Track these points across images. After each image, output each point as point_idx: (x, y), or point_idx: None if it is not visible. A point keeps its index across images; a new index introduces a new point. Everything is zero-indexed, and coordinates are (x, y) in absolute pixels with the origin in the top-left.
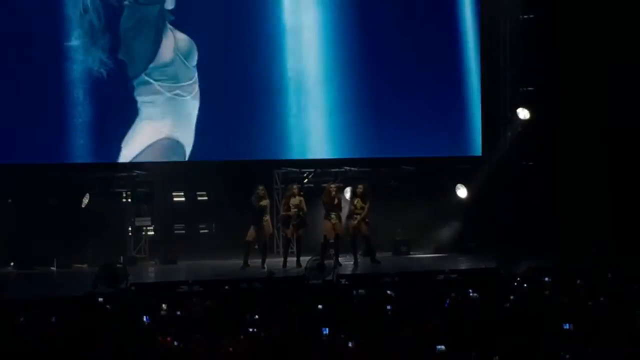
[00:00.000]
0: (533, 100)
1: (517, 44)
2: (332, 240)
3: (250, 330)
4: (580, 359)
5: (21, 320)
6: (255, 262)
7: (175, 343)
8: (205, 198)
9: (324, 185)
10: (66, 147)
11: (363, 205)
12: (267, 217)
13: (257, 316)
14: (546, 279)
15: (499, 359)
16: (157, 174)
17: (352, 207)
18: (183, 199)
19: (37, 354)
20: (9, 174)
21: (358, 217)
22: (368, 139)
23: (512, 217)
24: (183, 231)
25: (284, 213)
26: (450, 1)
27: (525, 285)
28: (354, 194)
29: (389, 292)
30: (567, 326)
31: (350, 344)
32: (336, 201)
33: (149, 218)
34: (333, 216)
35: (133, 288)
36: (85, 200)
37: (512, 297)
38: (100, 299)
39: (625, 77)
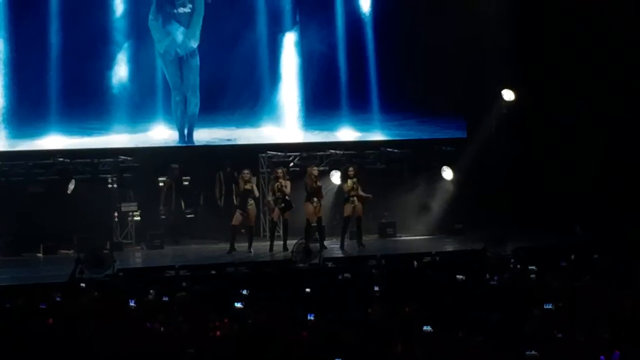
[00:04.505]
0: (518, 81)
1: (502, 25)
2: (314, 224)
3: (237, 314)
4: (566, 338)
5: (7, 306)
6: (241, 246)
7: (162, 329)
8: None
9: (308, 168)
10: None
11: (358, 186)
12: (253, 201)
13: (243, 300)
14: (532, 259)
15: (484, 339)
16: (142, 159)
17: (348, 189)
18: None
19: (23, 339)
20: None
21: (355, 198)
22: (354, 121)
23: (497, 198)
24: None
25: (270, 197)
26: None
27: (511, 265)
28: (346, 176)
29: (374, 271)
30: (548, 306)
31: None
32: (318, 184)
33: (135, 203)
34: (314, 199)
35: (121, 274)
36: (71, 186)
37: (497, 278)
38: (82, 285)
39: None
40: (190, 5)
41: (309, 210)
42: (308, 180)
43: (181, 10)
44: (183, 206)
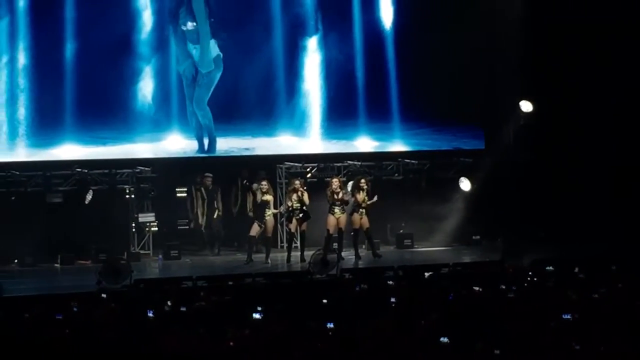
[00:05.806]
0: (536, 92)
1: (521, 35)
2: (335, 235)
3: (255, 325)
4: (584, 349)
5: (26, 316)
6: (259, 257)
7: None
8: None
9: (328, 179)
10: None
11: (368, 199)
12: (270, 212)
13: (261, 311)
14: (550, 269)
15: (502, 351)
16: (160, 170)
17: (358, 201)
18: (186, 194)
19: (41, 350)
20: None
21: (363, 211)
22: (372, 130)
23: (515, 209)
24: (187, 227)
25: (287, 207)
26: None
27: (529, 277)
28: (357, 188)
29: (390, 282)
30: (567, 316)
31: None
32: (340, 195)
33: (153, 214)
34: (336, 210)
35: (142, 285)
36: (89, 197)
37: (515, 289)
38: (104, 295)
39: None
40: (194, 23)
41: (330, 221)
42: (328, 192)
43: (184, 28)
44: (217, 215)
